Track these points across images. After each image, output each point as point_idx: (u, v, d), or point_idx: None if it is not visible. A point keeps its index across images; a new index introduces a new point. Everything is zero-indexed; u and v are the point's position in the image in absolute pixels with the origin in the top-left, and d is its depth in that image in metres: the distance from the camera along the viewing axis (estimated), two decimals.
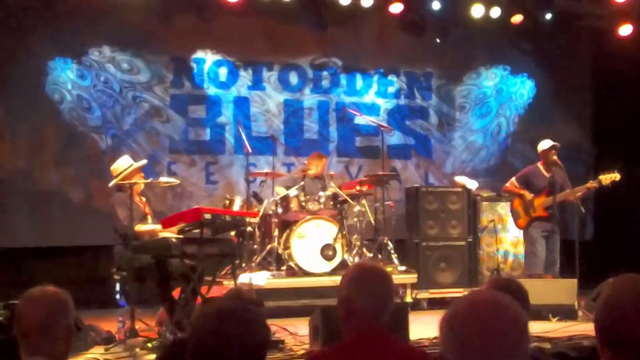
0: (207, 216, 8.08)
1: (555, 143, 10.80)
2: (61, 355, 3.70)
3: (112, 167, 9.10)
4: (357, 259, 10.88)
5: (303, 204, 10.92)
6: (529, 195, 10.81)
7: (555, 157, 10.72)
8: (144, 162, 9.46)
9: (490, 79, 14.70)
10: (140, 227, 8.65)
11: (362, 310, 3.73)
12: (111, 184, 8.95)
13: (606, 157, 13.16)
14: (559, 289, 9.96)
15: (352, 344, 3.74)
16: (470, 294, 2.47)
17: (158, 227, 8.64)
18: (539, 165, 10.97)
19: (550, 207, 10.72)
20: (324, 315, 7.11)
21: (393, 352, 3.69)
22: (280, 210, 10.99)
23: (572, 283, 9.97)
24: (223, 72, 13.16)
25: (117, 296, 9.31)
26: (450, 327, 2.33)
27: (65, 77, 12.18)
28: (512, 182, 11.08)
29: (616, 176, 10.37)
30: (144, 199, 9.33)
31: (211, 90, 13.07)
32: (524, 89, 14.85)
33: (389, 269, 10.75)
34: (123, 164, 9.05)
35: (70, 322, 3.68)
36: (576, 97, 14.91)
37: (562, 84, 14.74)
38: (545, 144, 10.86)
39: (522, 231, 11.20)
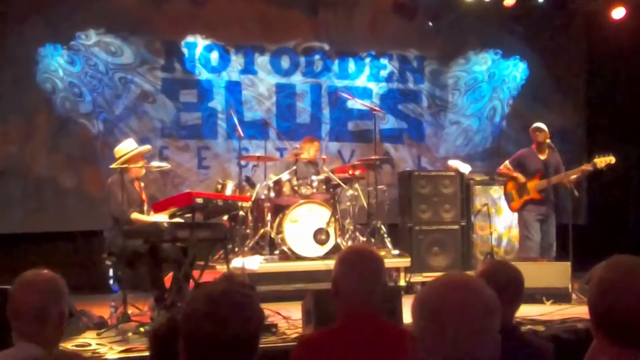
0: (199, 200, 8.05)
1: (545, 129, 10.77)
2: (53, 341, 3.66)
3: (116, 149, 9.06)
4: (350, 243, 10.87)
5: (296, 188, 10.89)
6: (522, 178, 10.80)
7: (548, 140, 10.71)
8: (147, 147, 9.42)
9: (481, 63, 14.67)
10: (137, 216, 8.62)
11: (351, 293, 3.76)
12: (112, 165, 8.86)
13: (600, 141, 13.18)
14: (552, 272, 9.97)
15: (343, 327, 3.76)
16: (443, 276, 2.47)
17: (153, 217, 8.61)
18: (533, 148, 10.95)
19: (543, 190, 10.74)
20: (316, 299, 7.10)
21: (383, 334, 3.69)
22: (272, 194, 10.96)
23: (566, 266, 9.98)
24: (214, 56, 13.10)
25: (110, 281, 9.27)
26: (421, 307, 2.37)
27: (55, 64, 12.08)
28: (506, 165, 11.06)
29: (611, 159, 10.37)
30: (142, 184, 9.27)
31: (203, 74, 13.01)
32: (516, 71, 14.82)
33: (382, 253, 10.76)
34: (127, 147, 9.00)
35: (63, 307, 3.65)
36: (570, 80, 14.90)
37: (555, 67, 14.72)
38: (537, 127, 10.84)
39: (516, 214, 11.19)
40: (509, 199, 11.05)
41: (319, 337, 3.92)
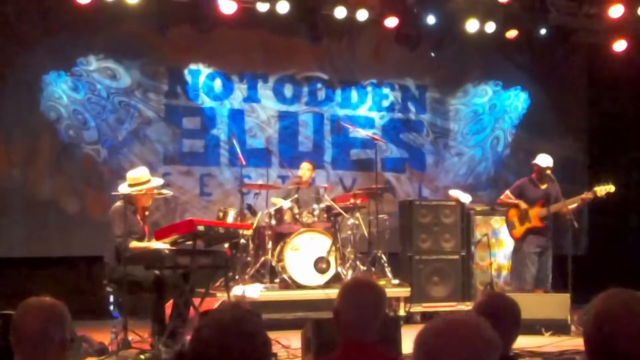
0: (201, 228, 8.09)
1: (550, 164, 10.82)
2: None
3: (130, 175, 8.78)
4: (350, 272, 10.92)
5: (297, 216, 10.93)
6: (524, 205, 10.82)
7: (549, 172, 10.75)
8: (161, 181, 9.33)
9: (482, 95, 14.75)
10: (135, 244, 8.57)
11: (351, 322, 3.79)
12: (116, 192, 8.74)
13: (601, 171, 13.21)
14: (552, 304, 10.01)
15: (343, 356, 3.78)
16: (447, 315, 2.49)
17: (152, 244, 8.59)
18: (533, 177, 10.99)
19: (545, 218, 10.75)
20: (316, 328, 7.13)
21: None
22: (274, 222, 11.01)
23: (565, 297, 10.01)
24: (218, 84, 13.18)
25: (111, 307, 9.29)
26: (422, 344, 2.38)
27: (59, 91, 12.15)
28: (507, 194, 11.09)
29: (611, 188, 10.42)
30: (147, 213, 9.16)
31: (206, 102, 13.08)
32: (518, 101, 14.91)
33: (382, 282, 10.78)
34: (141, 175, 8.76)
35: (65, 334, 3.65)
36: (571, 111, 14.97)
37: (557, 98, 14.78)
38: (543, 160, 10.87)
39: (513, 243, 11.17)
40: (510, 226, 11.05)
41: None
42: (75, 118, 12.22)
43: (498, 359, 2.36)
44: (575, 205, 10.62)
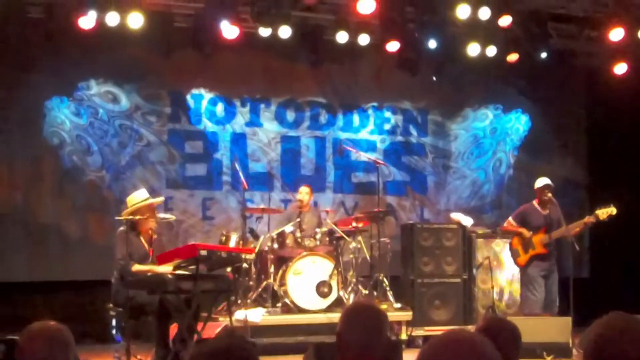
0: (203, 252, 8.12)
1: (549, 182, 10.85)
2: None
3: (128, 198, 9.04)
4: (352, 296, 10.91)
5: (299, 240, 10.96)
6: (527, 233, 10.83)
7: (550, 195, 10.77)
8: (161, 199, 9.45)
9: (482, 120, 14.79)
10: (138, 267, 8.63)
11: (354, 346, 3.80)
12: (118, 217, 8.85)
13: (602, 194, 13.23)
14: (553, 327, 9.99)
15: None
16: (448, 332, 2.51)
17: (156, 268, 8.64)
18: (535, 203, 11.02)
19: (548, 244, 10.77)
20: (317, 352, 7.14)
21: None
22: (276, 246, 11.03)
23: (567, 321, 10.00)
24: (220, 108, 13.24)
25: (113, 331, 9.30)
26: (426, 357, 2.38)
27: (62, 116, 12.22)
28: (510, 222, 11.11)
29: (612, 210, 10.44)
30: (155, 236, 9.23)
31: (208, 126, 13.13)
32: (519, 124, 14.95)
33: (384, 306, 10.80)
34: (139, 196, 8.97)
35: (69, 358, 3.70)
36: (572, 135, 15.03)
37: (557, 121, 14.85)
38: (540, 182, 10.92)
39: (519, 270, 11.19)
40: (515, 255, 11.06)
41: None
42: (78, 143, 12.28)
43: None
44: (577, 229, 10.64)
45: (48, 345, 3.62)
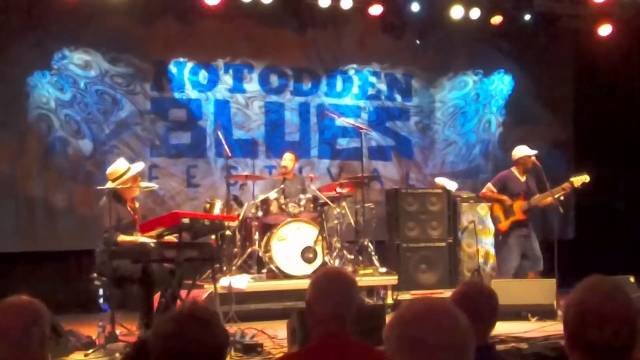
0: (185, 220, 8.11)
1: (533, 152, 10.91)
2: None
3: (108, 171, 8.97)
4: (337, 261, 10.95)
5: (283, 206, 10.96)
6: (508, 200, 10.89)
7: (534, 161, 10.80)
8: (141, 165, 9.42)
9: (462, 87, 14.77)
10: (122, 238, 8.63)
11: (323, 315, 3.81)
12: (102, 187, 8.80)
13: (587, 155, 13.28)
14: (538, 289, 10.09)
15: (316, 348, 3.82)
16: (414, 301, 2.51)
17: (139, 237, 8.65)
18: (514, 169, 11.08)
19: (527, 211, 10.84)
20: (300, 317, 7.18)
21: (357, 356, 3.74)
22: (260, 213, 11.03)
23: (551, 283, 10.08)
24: (203, 76, 13.16)
25: (100, 300, 9.31)
26: (397, 332, 2.40)
27: (46, 93, 12.12)
28: (489, 188, 11.15)
29: (586, 178, 10.57)
30: (137, 204, 9.29)
31: (192, 93, 13.07)
32: (502, 84, 14.92)
33: (369, 270, 10.87)
34: (119, 167, 8.93)
35: (43, 332, 3.70)
36: (557, 97, 14.97)
37: (542, 84, 14.78)
38: (522, 151, 10.96)
39: (500, 235, 11.24)
40: (496, 221, 11.10)
41: (293, 358, 3.99)
42: (63, 116, 12.17)
43: (475, 347, 2.40)
44: (557, 195, 10.67)
45: (19, 320, 3.63)
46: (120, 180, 8.77)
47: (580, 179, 10.58)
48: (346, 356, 3.74)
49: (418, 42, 13.87)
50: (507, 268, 10.87)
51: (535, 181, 11.08)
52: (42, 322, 3.70)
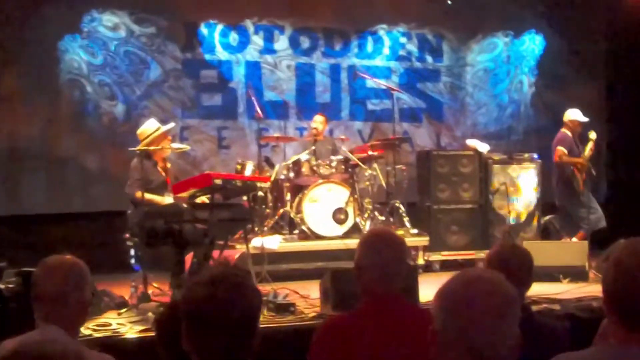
0: (218, 182, 8.14)
1: (586, 119, 11.40)
2: (75, 323, 3.75)
3: (139, 131, 8.99)
4: (369, 223, 10.95)
5: (314, 168, 10.95)
6: (582, 160, 11.24)
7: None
8: (171, 125, 9.46)
9: (492, 50, 14.62)
10: (148, 196, 8.58)
11: (374, 276, 3.77)
12: (133, 148, 8.80)
13: (619, 118, 13.18)
14: (570, 251, 10.09)
15: (366, 310, 3.79)
16: (463, 271, 2.52)
17: (156, 197, 8.70)
18: (565, 130, 11.34)
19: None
20: (333, 278, 7.22)
21: (406, 316, 3.74)
22: (292, 174, 11.04)
23: (583, 244, 10.09)
24: (233, 37, 13.13)
25: (132, 260, 9.37)
26: (443, 302, 2.42)
27: (77, 58, 12.17)
28: (563, 152, 11.20)
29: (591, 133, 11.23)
30: (169, 165, 9.30)
31: (222, 55, 13.06)
32: (533, 44, 14.75)
33: (400, 232, 10.83)
34: (150, 127, 8.93)
35: (85, 293, 3.69)
36: (589, 58, 14.79)
37: (574, 43, 14.57)
38: (576, 115, 11.36)
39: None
40: (577, 183, 11.28)
41: (342, 321, 3.95)
42: (95, 79, 12.23)
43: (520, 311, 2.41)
44: (590, 151, 10.95)
45: (63, 279, 3.63)
46: (149, 138, 8.78)
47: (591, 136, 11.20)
48: (397, 316, 3.71)
49: (449, 2, 13.75)
50: (597, 217, 11.27)
51: None
52: (83, 284, 3.71)
